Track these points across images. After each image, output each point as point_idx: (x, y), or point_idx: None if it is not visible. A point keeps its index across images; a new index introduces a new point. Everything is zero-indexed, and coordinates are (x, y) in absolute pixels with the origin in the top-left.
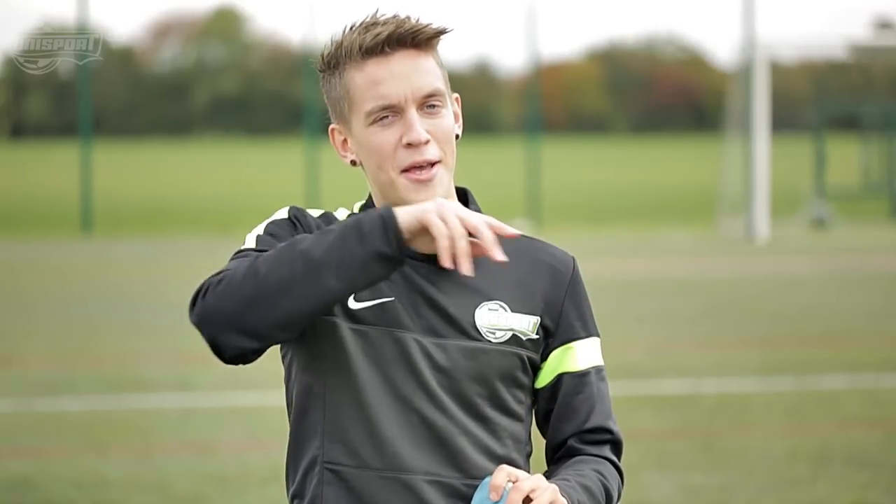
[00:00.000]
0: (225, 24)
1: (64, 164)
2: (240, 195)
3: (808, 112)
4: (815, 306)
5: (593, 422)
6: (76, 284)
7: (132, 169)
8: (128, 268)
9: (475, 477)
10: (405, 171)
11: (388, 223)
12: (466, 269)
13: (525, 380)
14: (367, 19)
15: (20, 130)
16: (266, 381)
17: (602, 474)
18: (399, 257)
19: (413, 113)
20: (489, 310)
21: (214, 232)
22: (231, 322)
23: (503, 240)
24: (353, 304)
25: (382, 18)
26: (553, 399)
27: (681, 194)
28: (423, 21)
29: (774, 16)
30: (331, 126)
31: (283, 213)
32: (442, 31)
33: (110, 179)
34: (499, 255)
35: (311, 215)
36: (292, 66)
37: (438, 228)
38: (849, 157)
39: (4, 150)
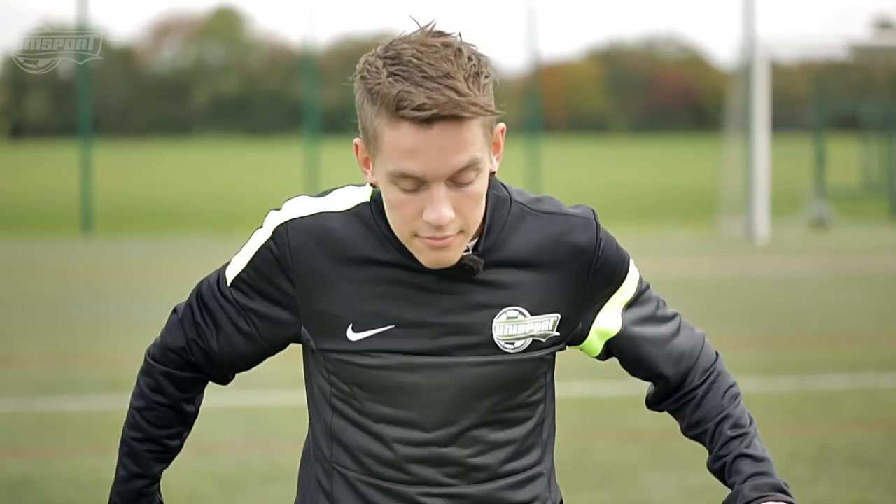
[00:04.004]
0: (225, 24)
1: (64, 164)
2: (240, 195)
3: (808, 112)
4: (815, 306)
5: (678, 367)
6: (76, 284)
7: (132, 169)
8: (128, 268)
9: (481, 482)
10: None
11: None
12: None
13: (545, 368)
14: (405, 56)
15: (20, 130)
16: (266, 381)
17: (732, 417)
18: None
19: (440, 190)
20: (508, 318)
21: (214, 232)
22: None
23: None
24: (351, 335)
25: (424, 71)
26: (614, 354)
27: (681, 194)
28: (473, 92)
29: (774, 16)
30: (356, 139)
31: (262, 242)
32: (489, 111)
33: (110, 179)
34: None
35: (294, 237)
36: (292, 66)
37: None
38: (849, 157)
39: (4, 150)
